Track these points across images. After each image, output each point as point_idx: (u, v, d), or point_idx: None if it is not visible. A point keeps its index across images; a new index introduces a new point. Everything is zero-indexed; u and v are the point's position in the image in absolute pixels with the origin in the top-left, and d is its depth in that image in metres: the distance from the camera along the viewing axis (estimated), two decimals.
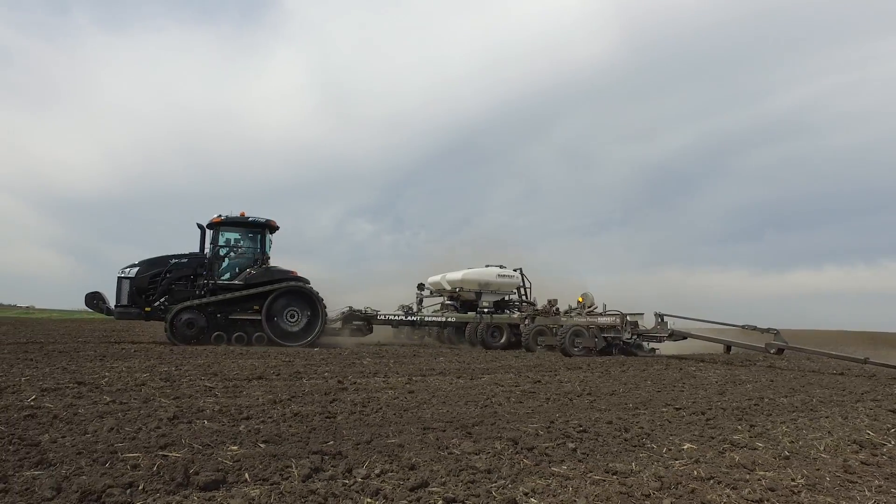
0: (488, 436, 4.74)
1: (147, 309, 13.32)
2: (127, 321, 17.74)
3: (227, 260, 14.27)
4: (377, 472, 3.65)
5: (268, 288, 13.75)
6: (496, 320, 18.04)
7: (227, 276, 14.08)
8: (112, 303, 13.45)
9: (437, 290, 20.84)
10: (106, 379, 6.85)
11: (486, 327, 17.61)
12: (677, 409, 6.33)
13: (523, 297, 20.32)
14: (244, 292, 13.60)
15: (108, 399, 5.52)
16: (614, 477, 3.80)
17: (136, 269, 13.50)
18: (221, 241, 14.27)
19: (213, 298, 13.44)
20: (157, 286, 13.46)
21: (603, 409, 6.28)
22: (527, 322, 16.81)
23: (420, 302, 20.40)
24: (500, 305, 19.63)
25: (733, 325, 13.11)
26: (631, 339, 14.24)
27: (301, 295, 14.14)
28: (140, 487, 3.14)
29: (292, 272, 14.51)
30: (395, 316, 17.58)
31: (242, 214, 14.32)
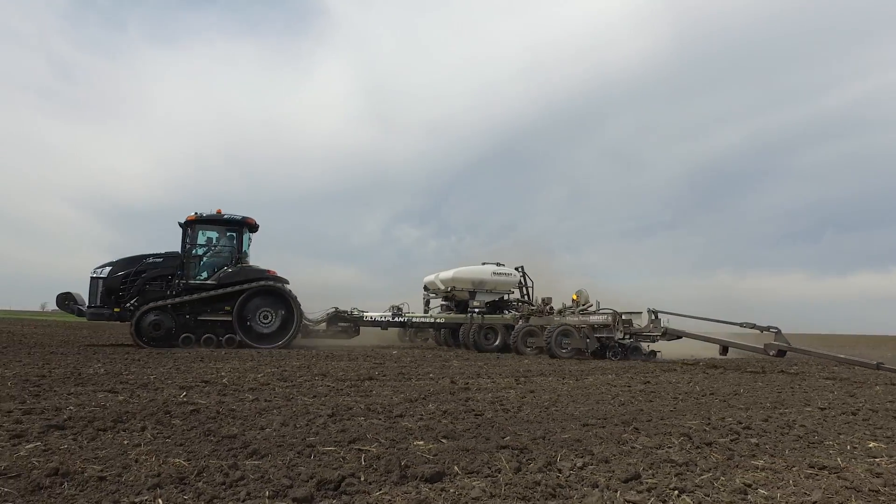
0: (656, 431, 4.60)
1: (116, 309, 12.70)
2: (98, 322, 16.47)
3: (203, 259, 13.64)
4: (579, 465, 3.55)
5: (238, 288, 13.14)
6: (489, 321, 16.80)
7: (203, 275, 13.44)
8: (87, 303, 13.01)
9: (434, 290, 19.71)
10: (225, 378, 6.87)
11: (479, 329, 16.37)
12: (822, 408, 6.09)
13: (525, 297, 19.15)
14: (214, 292, 13.04)
15: (251, 397, 5.52)
16: (824, 472, 3.62)
17: (108, 269, 12.98)
18: (198, 240, 13.65)
19: (179, 299, 12.87)
20: (131, 286, 12.89)
21: (742, 407, 6.08)
22: (520, 322, 15.69)
23: (427, 303, 19.76)
24: (499, 306, 18.49)
25: (731, 323, 11.46)
26: (626, 339, 13.05)
27: (276, 295, 13.51)
28: (362, 479, 3.08)
29: (269, 271, 13.87)
30: (381, 317, 16.68)
31: (219, 212, 13.74)
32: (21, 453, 3.22)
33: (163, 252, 13.38)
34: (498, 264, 18.51)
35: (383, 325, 16.63)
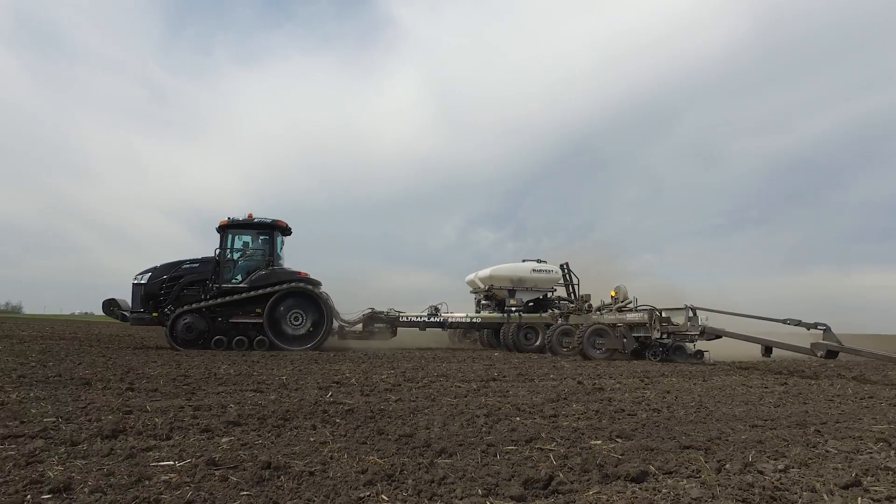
0: (842, 435, 4.24)
1: (154, 314, 13.09)
2: (141, 327, 15.88)
3: (237, 263, 13.75)
4: (780, 467, 3.29)
5: (269, 290, 13.16)
6: (528, 320, 16.22)
7: (238, 278, 13.56)
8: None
9: (475, 290, 19.12)
10: (353, 380, 6.97)
11: (518, 329, 15.84)
12: None
13: (570, 295, 18.03)
14: (246, 295, 13.13)
15: (394, 398, 5.54)
16: None
17: (147, 275, 13.27)
18: (230, 244, 13.79)
19: (212, 302, 13.03)
20: (170, 291, 13.21)
21: None
22: (559, 321, 14.93)
23: (478, 303, 19.01)
24: (542, 304, 17.63)
25: (773, 320, 10.18)
26: (665, 338, 11.91)
27: (307, 297, 13.41)
28: (561, 477, 2.95)
29: (301, 273, 13.76)
30: (417, 317, 16.17)
31: (250, 216, 13.80)
32: (223, 446, 3.31)
33: (199, 257, 13.68)
34: (538, 261, 17.74)
35: (421, 325, 16.13)
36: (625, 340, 12.17)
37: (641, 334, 12.17)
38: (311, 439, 3.57)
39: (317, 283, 13.93)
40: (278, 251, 14.17)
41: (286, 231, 14.60)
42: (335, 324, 14.58)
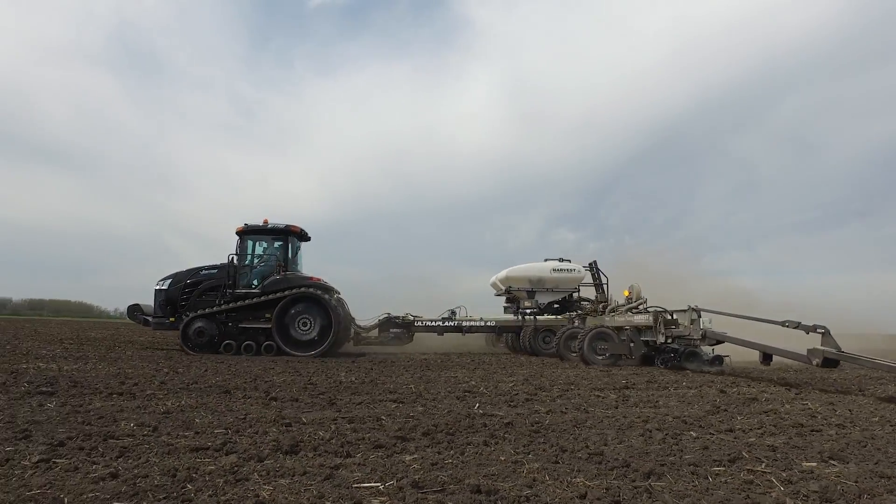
0: None
1: (172, 319, 13.36)
2: (163, 331, 15.78)
3: (253, 268, 13.82)
4: None
5: (278, 296, 13.15)
6: (544, 323, 15.49)
7: (254, 284, 13.65)
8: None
9: (498, 292, 18.26)
10: (481, 388, 6.75)
11: (535, 332, 15.24)
12: None
13: (599, 296, 16.80)
14: (255, 300, 13.21)
15: (543, 409, 5.26)
16: None
17: (168, 282, 13.57)
18: (247, 250, 13.89)
19: (222, 307, 13.14)
20: (189, 296, 13.44)
21: None
22: (576, 324, 14.04)
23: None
24: (566, 306, 16.68)
25: (771, 322, 8.76)
26: (671, 342, 10.77)
27: (317, 303, 13.22)
28: None
29: (312, 278, 13.74)
30: (431, 322, 15.63)
31: (265, 222, 13.86)
32: (413, 466, 3.12)
33: (218, 263, 13.77)
34: (560, 260, 16.72)
35: (439, 330, 15.65)
36: (632, 345, 11.19)
37: (650, 338, 11.11)
38: (501, 458, 3.32)
39: (329, 289, 13.92)
40: (292, 256, 14.24)
41: (302, 237, 14.69)
42: (351, 330, 14.67)
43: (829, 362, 7.63)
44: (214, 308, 13.14)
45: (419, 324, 15.49)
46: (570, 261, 16.80)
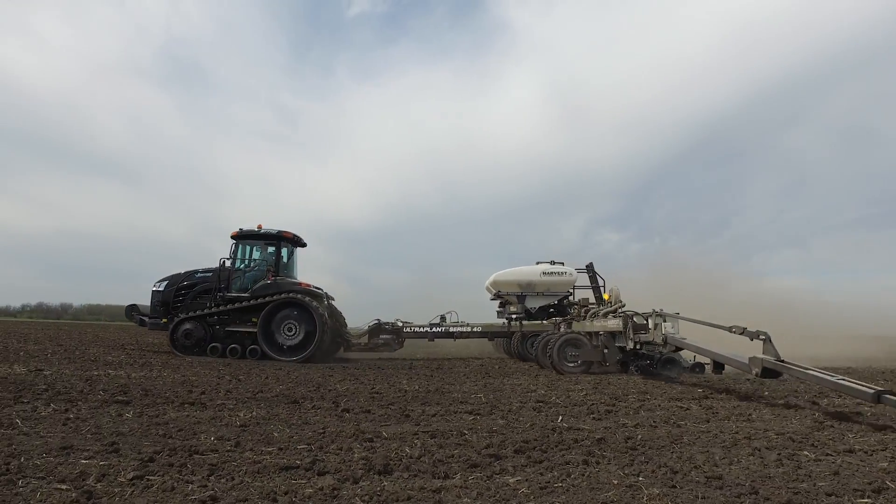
0: None
1: (164, 320, 13.53)
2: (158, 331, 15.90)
3: (245, 273, 13.95)
4: None
5: (263, 301, 13.15)
6: (530, 328, 14.82)
7: (245, 288, 13.74)
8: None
9: (493, 297, 17.69)
10: (553, 397, 6.48)
11: (523, 337, 14.60)
12: None
13: (598, 299, 15.88)
14: (243, 304, 13.24)
15: (630, 422, 4.96)
16: None
17: (164, 283, 13.78)
18: (239, 255, 14.02)
19: (211, 310, 13.27)
20: (184, 299, 13.63)
21: None
22: (562, 328, 13.09)
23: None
24: (560, 311, 15.90)
25: (719, 327, 8.00)
26: (640, 348, 9.94)
27: (304, 308, 13.14)
28: None
29: (301, 284, 13.78)
30: (420, 328, 15.12)
31: (259, 227, 13.97)
32: (521, 490, 2.90)
33: (214, 267, 13.88)
34: (552, 262, 16.02)
35: (429, 336, 15.17)
36: (606, 351, 10.51)
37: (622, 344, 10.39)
38: (613, 482, 3.05)
39: (317, 295, 13.85)
40: (284, 262, 14.39)
41: (296, 242, 14.81)
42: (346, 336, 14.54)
43: (769, 373, 6.75)
44: (203, 311, 13.30)
45: (408, 330, 15.17)
46: (563, 263, 16.17)
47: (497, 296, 16.45)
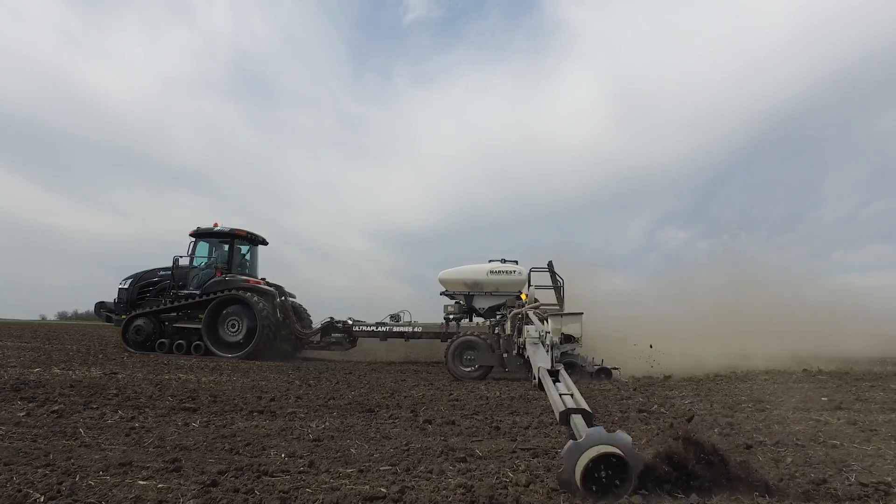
0: None
1: (123, 316, 13.64)
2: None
3: (199, 270, 13.97)
4: None
5: (208, 298, 13.15)
6: (470, 330, 13.22)
7: (198, 285, 13.77)
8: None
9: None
10: (656, 406, 5.67)
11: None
12: None
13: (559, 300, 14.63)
14: (189, 301, 13.38)
15: (765, 439, 4.11)
16: None
17: (129, 281, 14.00)
18: (197, 252, 14.12)
19: (161, 307, 13.43)
20: (145, 296, 13.87)
21: None
22: (496, 330, 12.00)
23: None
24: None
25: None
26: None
27: (248, 306, 12.95)
28: None
29: (250, 281, 13.71)
30: (370, 327, 14.04)
31: (216, 225, 14.04)
32: None
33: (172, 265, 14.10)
34: (503, 261, 14.60)
35: (382, 335, 14.15)
36: (505, 355, 9.49)
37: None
38: None
39: (263, 292, 13.61)
40: (245, 260, 14.65)
41: (253, 240, 14.91)
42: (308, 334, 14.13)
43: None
44: (154, 308, 13.52)
45: (358, 329, 14.34)
46: (516, 262, 14.82)
47: (445, 294, 15.30)
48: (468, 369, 10.13)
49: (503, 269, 14.71)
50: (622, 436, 2.71)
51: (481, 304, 14.61)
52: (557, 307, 12.23)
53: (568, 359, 9.10)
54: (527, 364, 8.34)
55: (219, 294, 13.17)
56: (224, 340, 13.13)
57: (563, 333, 9.29)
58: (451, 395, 6.92)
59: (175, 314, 13.59)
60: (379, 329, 14.22)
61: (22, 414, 4.57)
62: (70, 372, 8.01)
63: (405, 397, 6.61)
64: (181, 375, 8.29)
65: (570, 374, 8.27)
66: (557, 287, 15.08)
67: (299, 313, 14.97)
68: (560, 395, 3.79)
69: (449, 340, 11.10)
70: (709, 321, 16.06)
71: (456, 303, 15.04)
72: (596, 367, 9.16)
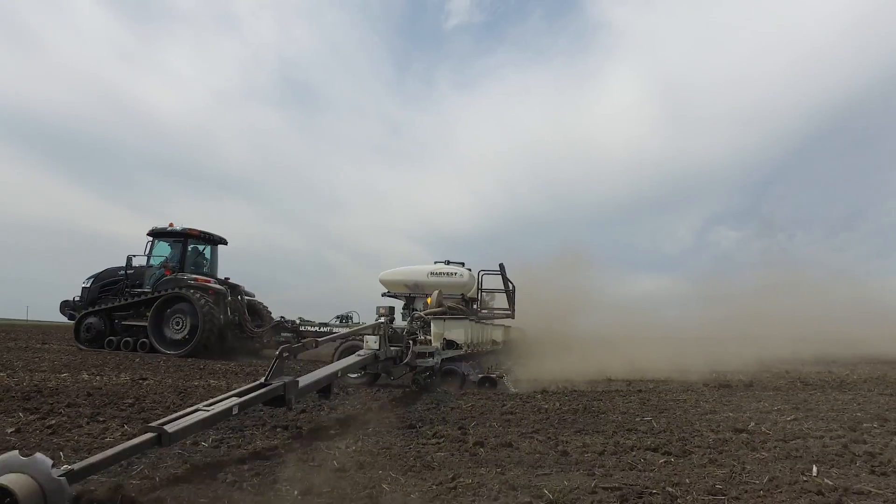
0: None
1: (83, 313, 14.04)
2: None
3: (153, 269, 14.21)
4: None
5: (154, 295, 13.29)
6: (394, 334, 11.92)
7: (155, 283, 13.95)
8: None
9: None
10: (764, 427, 4.63)
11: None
12: None
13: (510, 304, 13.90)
14: (137, 300, 13.63)
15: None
16: None
17: (90, 280, 14.37)
18: (154, 252, 14.37)
19: (111, 305, 13.73)
20: (103, 295, 14.21)
21: None
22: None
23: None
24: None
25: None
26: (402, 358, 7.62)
27: (191, 303, 12.95)
28: None
29: (199, 279, 13.64)
30: (318, 328, 13.45)
31: (171, 225, 14.23)
32: None
33: (135, 265, 14.39)
34: (447, 262, 13.93)
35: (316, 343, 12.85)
36: (380, 363, 7.84)
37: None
38: None
39: (211, 291, 13.42)
40: (196, 259, 14.73)
41: (208, 240, 14.98)
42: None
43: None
44: (103, 307, 13.84)
45: (304, 329, 13.80)
46: (462, 263, 14.19)
47: (388, 296, 14.78)
48: (354, 376, 9.22)
49: (444, 270, 14.27)
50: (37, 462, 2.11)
51: (423, 306, 14.08)
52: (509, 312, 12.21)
53: (448, 366, 8.32)
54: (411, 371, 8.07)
55: (162, 293, 13.30)
56: (169, 338, 13.22)
57: (444, 339, 8.46)
58: (503, 406, 6.06)
59: (126, 313, 13.85)
60: (322, 329, 13.83)
61: (11, 430, 3.98)
62: (98, 377, 7.59)
63: (451, 408, 5.79)
64: (211, 382, 7.76)
65: (450, 381, 8.20)
66: (509, 291, 14.49)
67: (258, 312, 14.97)
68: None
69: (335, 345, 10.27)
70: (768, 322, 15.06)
71: (406, 304, 14.50)
72: (480, 375, 8.34)
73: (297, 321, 14.27)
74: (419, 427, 4.68)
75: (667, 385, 8.79)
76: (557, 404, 6.26)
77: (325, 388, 5.27)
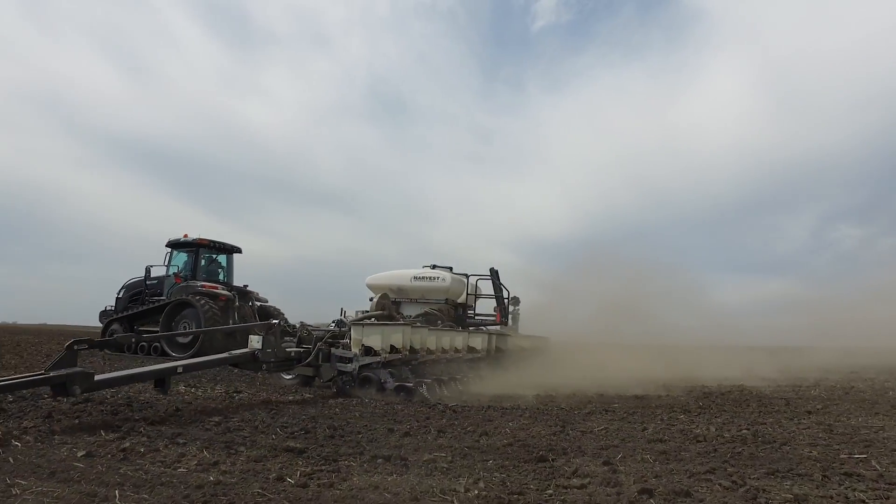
0: None
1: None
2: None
3: (170, 279, 14.94)
4: None
5: (164, 302, 14.11)
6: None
7: (167, 292, 14.80)
8: None
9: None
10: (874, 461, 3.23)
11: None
12: None
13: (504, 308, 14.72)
14: (148, 307, 14.48)
15: None
16: None
17: (122, 290, 15.37)
18: (172, 262, 15.12)
19: (130, 312, 14.72)
20: (132, 303, 15.13)
21: None
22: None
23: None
24: (457, 320, 14.24)
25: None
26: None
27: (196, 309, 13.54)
28: None
29: (205, 286, 14.17)
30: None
31: (185, 236, 14.87)
32: None
33: (161, 274, 15.20)
34: (434, 266, 14.27)
35: None
36: (323, 367, 8.18)
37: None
38: None
39: (221, 297, 13.98)
40: (208, 267, 15.35)
41: (220, 249, 15.58)
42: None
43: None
44: (124, 314, 14.84)
45: (305, 334, 12.85)
46: (450, 268, 14.30)
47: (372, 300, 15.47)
48: (288, 377, 9.32)
49: (427, 275, 14.41)
50: None
51: (409, 311, 14.14)
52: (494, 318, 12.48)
53: (365, 372, 7.95)
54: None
55: (173, 299, 14.06)
56: (178, 342, 13.87)
57: (363, 345, 8.04)
58: (644, 429, 4.93)
59: (143, 319, 14.69)
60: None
61: (81, 454, 3.45)
62: (193, 390, 7.26)
63: (583, 433, 4.75)
64: (308, 396, 7.19)
65: (365, 388, 7.79)
66: (500, 297, 14.86)
67: (272, 317, 15.00)
68: None
69: None
70: None
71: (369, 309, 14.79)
72: (396, 383, 7.84)
73: (297, 326, 14.50)
74: (552, 460, 3.69)
75: (834, 407, 7.19)
76: (713, 428, 5.03)
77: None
